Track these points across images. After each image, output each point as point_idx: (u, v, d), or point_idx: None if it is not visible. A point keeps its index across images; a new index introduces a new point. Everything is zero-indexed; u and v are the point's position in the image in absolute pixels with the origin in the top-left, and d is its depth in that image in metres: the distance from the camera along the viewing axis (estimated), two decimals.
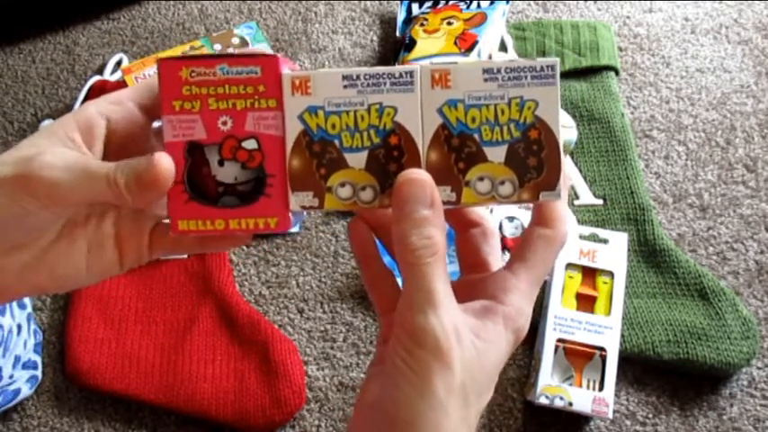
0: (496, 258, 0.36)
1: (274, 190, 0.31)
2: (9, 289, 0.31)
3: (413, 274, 0.29)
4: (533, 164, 0.31)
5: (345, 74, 0.31)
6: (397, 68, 0.31)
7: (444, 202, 0.31)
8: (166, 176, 0.29)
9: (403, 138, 0.31)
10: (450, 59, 0.81)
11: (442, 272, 0.30)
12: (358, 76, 0.31)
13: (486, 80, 0.31)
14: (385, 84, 0.31)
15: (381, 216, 0.36)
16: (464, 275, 0.36)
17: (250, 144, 0.31)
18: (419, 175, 0.30)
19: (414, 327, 0.29)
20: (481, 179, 0.31)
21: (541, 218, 0.33)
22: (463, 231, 0.36)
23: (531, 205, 0.33)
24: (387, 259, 0.37)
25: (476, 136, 0.31)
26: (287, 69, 0.32)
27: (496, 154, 0.31)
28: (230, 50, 0.86)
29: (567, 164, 0.78)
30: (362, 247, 0.36)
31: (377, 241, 0.37)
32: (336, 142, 0.31)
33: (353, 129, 0.31)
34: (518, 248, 0.33)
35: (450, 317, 0.29)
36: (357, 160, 0.31)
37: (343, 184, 0.31)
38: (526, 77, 0.31)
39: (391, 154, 0.31)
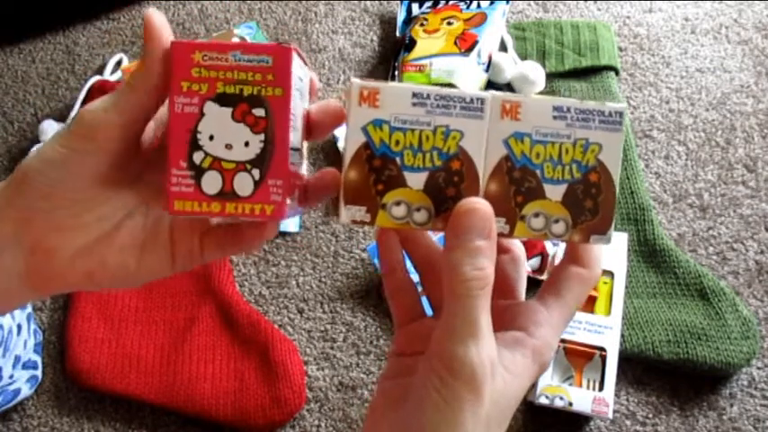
0: (523, 285, 0.36)
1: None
2: (60, 275, 0.31)
3: (461, 304, 0.29)
4: (589, 206, 0.31)
5: (416, 91, 0.30)
6: (468, 93, 0.31)
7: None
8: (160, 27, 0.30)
9: (465, 164, 0.31)
10: (462, 65, 0.81)
11: (487, 304, 0.30)
12: (428, 95, 0.30)
13: (555, 117, 0.31)
14: (455, 107, 0.30)
15: (413, 230, 0.36)
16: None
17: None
18: (482, 206, 0.30)
19: (452, 357, 0.29)
20: (536, 215, 0.31)
21: (578, 257, 0.33)
22: None
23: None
24: None
25: (538, 172, 0.31)
26: (295, 56, 0.31)
27: (555, 192, 0.31)
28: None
29: None
30: (390, 257, 0.36)
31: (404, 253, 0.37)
32: (398, 159, 0.31)
33: (417, 148, 0.31)
34: (552, 283, 0.33)
35: (488, 350, 0.29)
36: (416, 180, 0.31)
37: (398, 203, 0.31)
38: (594, 120, 0.31)
39: (451, 179, 0.31)
